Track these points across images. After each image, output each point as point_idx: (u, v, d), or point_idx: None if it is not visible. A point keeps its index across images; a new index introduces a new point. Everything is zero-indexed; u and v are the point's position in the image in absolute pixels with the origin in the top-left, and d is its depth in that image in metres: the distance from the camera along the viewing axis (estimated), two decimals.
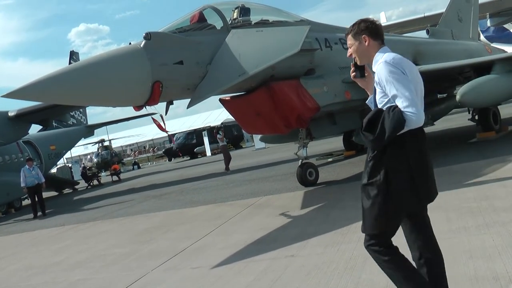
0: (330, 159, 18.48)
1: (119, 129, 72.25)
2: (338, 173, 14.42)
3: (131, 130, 71.82)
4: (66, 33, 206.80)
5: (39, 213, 19.10)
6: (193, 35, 10.45)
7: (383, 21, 46.35)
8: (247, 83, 10.94)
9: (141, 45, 9.40)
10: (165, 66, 9.52)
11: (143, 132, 69.00)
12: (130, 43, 9.87)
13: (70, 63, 36.49)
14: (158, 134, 61.07)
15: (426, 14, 36.27)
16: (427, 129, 18.12)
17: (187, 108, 10.28)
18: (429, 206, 7.87)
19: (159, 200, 16.84)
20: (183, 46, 10.01)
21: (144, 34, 9.47)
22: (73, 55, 38.35)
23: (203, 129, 51.47)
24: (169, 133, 13.18)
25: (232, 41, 10.52)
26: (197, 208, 13.06)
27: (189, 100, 10.25)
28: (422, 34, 24.34)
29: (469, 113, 17.38)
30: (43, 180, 20.02)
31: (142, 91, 9.33)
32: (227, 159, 23.55)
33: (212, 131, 50.36)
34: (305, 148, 12.92)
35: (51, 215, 18.87)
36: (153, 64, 9.31)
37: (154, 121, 10.87)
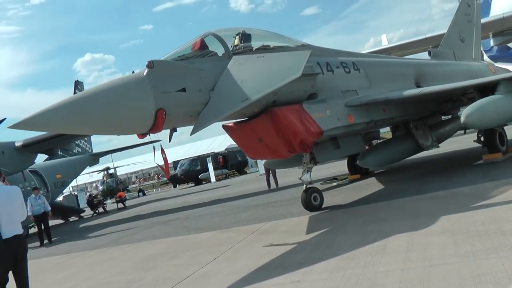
0: (334, 184, 18.37)
1: (124, 157, 72.15)
2: (343, 197, 14.32)
3: (136, 157, 71.76)
4: (72, 63, 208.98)
5: (45, 241, 19.21)
6: (195, 62, 10.52)
7: (385, 43, 46.35)
8: (250, 108, 10.97)
9: (144, 74, 9.47)
10: (168, 94, 9.56)
11: (148, 159, 68.97)
12: (133, 72, 9.93)
13: (75, 92, 36.76)
14: (163, 161, 60.97)
15: (427, 36, 36.31)
16: (433, 152, 18.08)
17: (191, 135, 10.28)
18: (435, 229, 7.80)
19: (164, 226, 16.76)
20: (185, 74, 10.06)
21: (146, 63, 9.55)
22: (78, 85, 38.67)
23: (207, 155, 51.44)
24: (171, 160, 13.12)
25: (234, 68, 10.57)
26: (202, 235, 12.97)
27: (192, 126, 10.27)
28: (424, 55, 24.27)
29: (466, 133, 17.24)
30: (49, 208, 20.07)
31: (145, 119, 9.38)
32: (274, 177, 23.11)
33: (216, 157, 50.37)
34: (309, 172, 12.86)
35: (57, 243, 18.88)
36: (156, 92, 9.36)
37: (161, 153, 10.98)
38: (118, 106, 9.06)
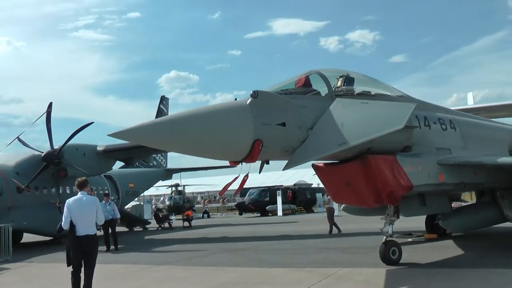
0: (410, 240, 17.83)
1: (192, 176, 72.85)
2: (420, 256, 13.81)
3: (203, 178, 72.84)
4: (157, 77, 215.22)
5: (112, 247, 19.66)
6: (297, 98, 10.57)
7: (470, 102, 45.00)
8: (344, 152, 10.82)
9: (247, 102, 9.58)
10: (267, 126, 9.62)
11: (215, 182, 69.86)
12: (236, 99, 10.08)
13: (159, 107, 38.05)
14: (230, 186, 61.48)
15: None
16: None
17: (283, 169, 10.29)
18: None
19: (234, 255, 16.72)
20: (287, 108, 10.10)
21: (251, 92, 9.66)
22: (163, 100, 39.93)
23: (277, 188, 51.29)
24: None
25: (336, 109, 10.52)
26: (274, 270, 12.82)
27: (283, 161, 10.27)
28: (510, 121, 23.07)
29: None
30: (118, 216, 20.61)
31: (242, 148, 9.44)
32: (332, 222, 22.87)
33: (286, 191, 50.12)
34: (391, 225, 12.55)
35: (123, 251, 19.36)
36: (256, 122, 9.43)
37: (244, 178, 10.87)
38: (218, 131, 9.19)
